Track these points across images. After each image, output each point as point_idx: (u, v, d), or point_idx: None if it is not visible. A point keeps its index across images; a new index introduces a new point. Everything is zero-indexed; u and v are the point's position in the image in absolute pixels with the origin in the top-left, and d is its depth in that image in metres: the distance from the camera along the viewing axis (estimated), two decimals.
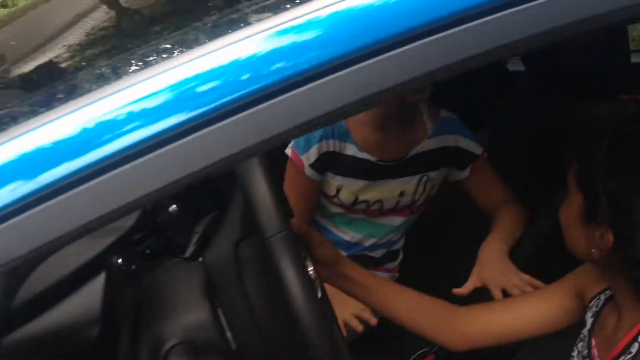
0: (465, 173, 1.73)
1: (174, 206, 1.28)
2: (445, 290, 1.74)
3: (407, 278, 1.86)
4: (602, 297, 1.07)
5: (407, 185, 1.71)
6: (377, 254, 1.85)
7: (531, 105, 1.91)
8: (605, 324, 1.04)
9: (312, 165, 1.63)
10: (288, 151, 1.65)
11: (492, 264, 1.49)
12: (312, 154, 1.62)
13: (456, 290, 1.44)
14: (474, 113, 2.01)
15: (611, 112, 1.00)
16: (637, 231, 0.87)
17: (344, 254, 1.76)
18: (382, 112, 1.61)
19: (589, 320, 1.08)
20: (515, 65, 2.28)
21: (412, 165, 1.69)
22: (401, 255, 1.94)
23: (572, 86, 1.69)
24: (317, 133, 1.60)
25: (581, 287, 1.14)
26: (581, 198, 0.94)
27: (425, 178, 1.72)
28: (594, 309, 1.08)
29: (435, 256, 2.02)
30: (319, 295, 1.10)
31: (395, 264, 1.92)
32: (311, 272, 1.10)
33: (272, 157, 0.89)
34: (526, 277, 1.43)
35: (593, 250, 0.94)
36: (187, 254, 1.26)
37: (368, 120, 1.64)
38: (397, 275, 1.94)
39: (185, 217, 1.27)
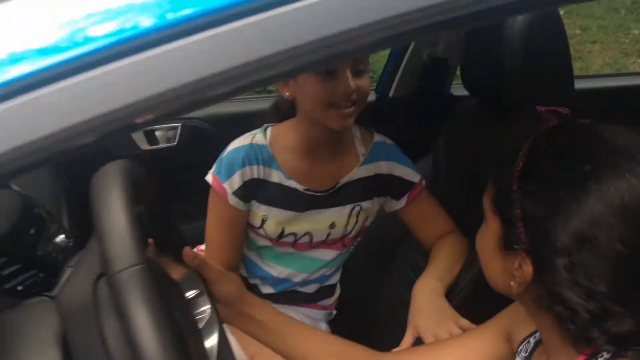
0: (402, 203, 1.59)
1: (62, 236, 1.13)
2: (388, 329, 1.63)
3: (345, 315, 1.78)
4: (532, 339, 0.99)
5: (338, 216, 1.56)
6: (310, 289, 1.68)
7: (474, 129, 1.80)
8: None
9: (235, 193, 1.48)
10: (209, 178, 1.51)
11: (427, 309, 1.37)
12: (236, 181, 1.47)
13: (395, 350, 1.30)
14: (418, 139, 1.93)
15: (529, 127, 0.88)
16: (555, 259, 0.78)
17: (272, 290, 1.63)
18: (308, 138, 1.49)
19: None
20: (460, 90, 2.18)
21: (343, 194, 1.55)
22: (338, 291, 1.78)
23: (513, 111, 1.58)
24: (240, 158, 1.48)
25: (509, 330, 1.05)
26: (498, 224, 0.86)
27: (357, 208, 1.57)
28: (523, 354, 0.99)
29: (377, 291, 1.86)
30: (212, 339, 0.95)
31: (331, 300, 1.76)
32: (206, 312, 0.96)
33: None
34: (465, 323, 1.31)
35: (512, 284, 0.85)
36: (55, 291, 1.09)
37: (294, 146, 1.51)
38: (334, 312, 1.78)
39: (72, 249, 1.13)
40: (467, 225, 1.60)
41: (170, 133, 2.02)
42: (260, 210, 1.52)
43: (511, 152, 0.86)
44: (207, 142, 2.02)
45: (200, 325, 0.96)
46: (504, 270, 0.86)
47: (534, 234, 0.80)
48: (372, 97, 2.23)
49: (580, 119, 0.88)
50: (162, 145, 2.02)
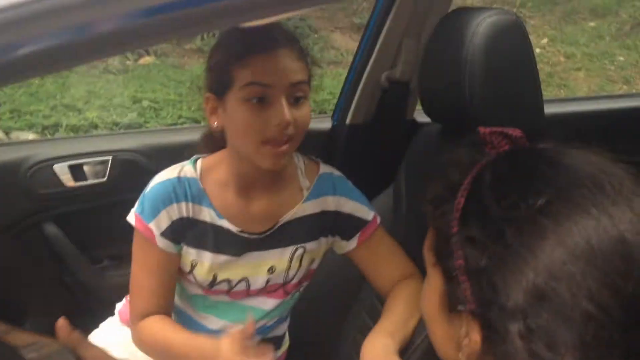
0: (352, 244, 1.40)
1: None
2: None
3: None
4: None
5: (278, 259, 1.37)
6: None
7: (437, 159, 1.60)
8: None
9: (164, 235, 1.29)
10: (131, 218, 1.32)
11: None
12: (163, 220, 1.28)
13: None
14: (378, 170, 1.78)
15: (472, 155, 0.74)
16: (507, 323, 0.62)
17: None
18: (239, 173, 1.30)
19: None
20: (424, 116, 1.99)
21: (284, 235, 1.36)
22: (287, 342, 1.60)
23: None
24: (167, 194, 1.29)
25: None
26: (439, 278, 0.72)
27: (300, 251, 1.37)
28: None
29: (332, 340, 1.66)
30: None
31: (278, 353, 1.56)
32: None
33: None
34: None
35: (460, 355, 0.70)
36: None
37: (226, 181, 1.32)
38: None
39: None
40: None
41: (99, 167, 1.80)
42: (189, 254, 1.33)
43: (451, 186, 0.71)
44: (141, 176, 1.79)
45: None
46: (450, 338, 0.72)
47: (479, 291, 0.65)
48: (327, 124, 2.04)
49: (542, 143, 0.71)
50: (90, 181, 1.80)
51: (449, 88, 1.37)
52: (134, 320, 1.34)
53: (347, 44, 5.92)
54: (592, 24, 6.73)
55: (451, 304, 0.70)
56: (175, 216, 1.29)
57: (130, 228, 1.35)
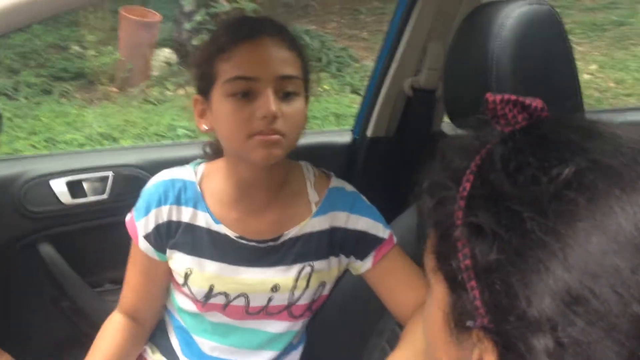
0: (367, 264, 1.26)
1: None
2: None
3: None
4: None
5: (283, 277, 1.23)
6: None
7: None
8: None
9: (147, 237, 1.24)
10: (128, 216, 1.28)
11: None
12: (149, 222, 1.23)
13: None
14: (402, 185, 1.58)
15: (480, 138, 0.59)
16: (530, 339, 0.47)
17: None
18: (238, 179, 1.21)
19: None
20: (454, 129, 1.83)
21: (290, 251, 1.23)
22: None
23: None
24: (157, 195, 1.22)
25: None
26: (443, 288, 0.57)
27: (307, 269, 1.24)
28: None
29: None
30: None
31: None
32: None
33: None
34: None
35: None
36: None
37: (225, 190, 1.22)
38: None
39: None
40: None
41: (99, 184, 1.69)
42: (183, 262, 1.23)
43: (455, 173, 0.57)
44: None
45: None
46: (456, 357, 0.58)
47: (491, 297, 0.51)
48: (347, 138, 1.88)
49: None
50: (89, 198, 1.68)
51: (473, 90, 1.22)
52: (118, 305, 1.34)
53: None
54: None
55: (458, 320, 0.55)
56: (162, 219, 1.22)
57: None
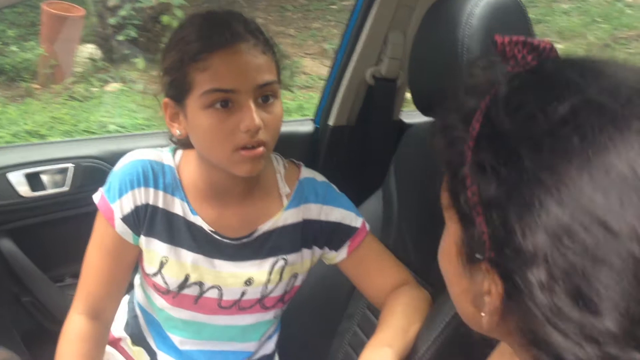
0: (342, 254, 1.26)
1: None
2: None
3: None
4: None
5: (257, 271, 1.22)
6: None
7: (430, 159, 1.48)
8: None
9: (125, 220, 1.17)
10: (97, 196, 1.20)
11: None
12: (126, 204, 1.17)
13: None
14: (366, 174, 1.69)
15: (490, 79, 0.60)
16: (526, 272, 0.50)
17: None
18: (211, 182, 1.18)
19: None
20: (411, 117, 1.88)
21: (263, 245, 1.22)
22: None
23: None
24: (135, 174, 1.17)
25: None
26: (456, 223, 0.60)
27: (281, 263, 1.23)
28: None
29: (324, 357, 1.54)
30: None
31: None
32: None
33: None
34: None
35: (483, 315, 0.59)
36: None
37: (199, 184, 1.19)
38: None
39: None
40: (427, 272, 1.33)
41: (59, 176, 1.64)
42: (160, 250, 1.20)
43: (466, 114, 0.59)
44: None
45: None
46: (468, 295, 0.61)
47: (494, 233, 0.53)
48: (309, 127, 1.89)
49: None
50: (49, 191, 1.63)
51: (444, 77, 1.25)
52: (75, 303, 1.23)
53: (319, 69, 5.84)
54: (560, 46, 6.78)
55: (469, 253, 0.58)
56: (140, 201, 1.17)
57: None
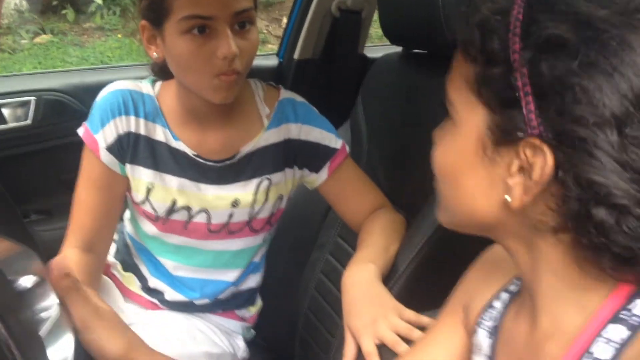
0: (322, 176, 1.27)
1: None
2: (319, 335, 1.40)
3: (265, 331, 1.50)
4: (497, 303, 0.76)
5: (243, 192, 1.23)
6: (223, 294, 1.34)
7: (397, 89, 1.51)
8: (513, 338, 0.71)
9: (110, 149, 1.17)
10: (80, 130, 1.19)
11: (360, 303, 1.08)
12: (109, 133, 1.16)
13: None
14: (332, 106, 1.63)
15: None
16: (597, 133, 0.53)
17: (180, 296, 1.30)
18: (191, 105, 1.18)
19: (485, 343, 0.75)
20: (372, 52, 1.89)
21: (247, 166, 1.23)
22: (259, 302, 1.44)
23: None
24: (115, 103, 1.15)
25: (467, 305, 0.82)
26: (482, 114, 0.61)
27: (265, 182, 1.24)
28: (488, 324, 0.76)
29: (297, 288, 1.56)
30: (60, 347, 0.66)
31: (251, 311, 1.42)
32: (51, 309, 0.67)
33: None
34: (409, 314, 1.02)
35: (508, 198, 0.60)
36: None
37: (180, 109, 1.19)
38: (252, 331, 1.45)
39: None
40: (399, 198, 1.36)
41: (21, 110, 1.58)
42: (145, 176, 1.20)
43: (496, 12, 0.60)
44: (69, 119, 1.60)
45: (42, 328, 0.65)
46: (491, 183, 0.62)
47: (558, 107, 0.55)
48: (273, 61, 1.88)
49: None
50: (10, 124, 1.57)
51: (417, 5, 1.27)
52: (68, 238, 1.21)
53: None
54: None
55: (503, 136, 0.59)
56: (123, 130, 1.17)
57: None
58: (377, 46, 2.15)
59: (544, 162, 0.56)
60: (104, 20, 5.32)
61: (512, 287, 0.76)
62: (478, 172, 0.63)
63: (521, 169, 0.58)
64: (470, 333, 0.79)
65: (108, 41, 5.07)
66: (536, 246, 0.63)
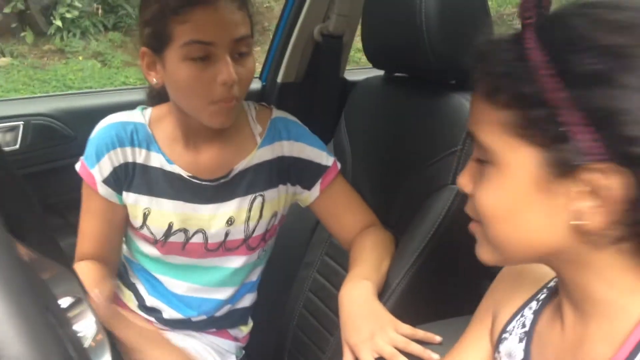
0: (315, 192, 1.31)
1: None
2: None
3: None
4: (527, 311, 0.79)
5: (237, 210, 1.27)
6: (218, 311, 1.38)
7: (380, 110, 1.56)
8: (551, 342, 0.74)
9: (106, 182, 1.23)
10: (77, 165, 1.25)
11: (357, 319, 1.12)
12: (105, 167, 1.22)
13: None
14: (315, 129, 1.67)
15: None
16: None
17: (177, 314, 1.33)
18: (187, 128, 1.22)
19: (518, 348, 0.77)
20: (353, 75, 1.94)
21: (241, 184, 1.27)
22: (251, 322, 1.48)
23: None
24: (109, 138, 1.21)
25: (495, 316, 0.85)
26: (533, 153, 0.63)
27: (259, 199, 1.28)
28: (520, 331, 0.78)
29: (287, 306, 1.60)
30: None
31: (243, 331, 1.46)
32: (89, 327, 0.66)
33: None
34: (406, 329, 1.07)
35: (577, 223, 0.62)
36: None
37: (174, 132, 1.23)
38: (243, 350, 1.48)
39: None
40: (385, 217, 1.39)
41: (9, 134, 1.58)
42: (141, 203, 1.25)
43: (513, 59, 0.63)
44: (58, 144, 1.62)
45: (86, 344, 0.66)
46: (552, 214, 0.64)
47: (607, 131, 0.59)
48: (256, 85, 1.92)
49: None
50: None
51: (401, 31, 1.32)
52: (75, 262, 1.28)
53: None
54: None
55: (559, 170, 0.62)
56: (118, 162, 1.22)
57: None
58: (355, 69, 2.21)
59: (613, 183, 0.59)
60: (64, 43, 5.31)
61: (543, 296, 0.79)
62: (536, 207, 0.65)
63: (590, 193, 0.60)
64: (495, 342, 0.82)
65: (69, 63, 5.04)
66: (591, 260, 0.65)
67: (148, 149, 1.22)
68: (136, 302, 1.34)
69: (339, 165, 1.33)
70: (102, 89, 1.76)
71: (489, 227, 0.69)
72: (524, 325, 0.78)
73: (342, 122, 1.61)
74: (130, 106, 1.27)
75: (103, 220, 1.26)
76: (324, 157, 1.31)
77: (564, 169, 0.61)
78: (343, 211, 1.34)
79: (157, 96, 1.27)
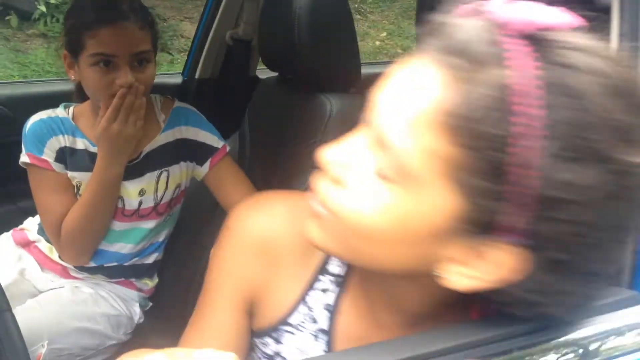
0: (205, 168, 1.62)
1: None
2: None
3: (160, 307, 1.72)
4: (316, 304, 0.77)
5: (147, 184, 1.57)
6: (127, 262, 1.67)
7: (274, 105, 1.83)
8: (353, 336, 0.75)
9: (58, 160, 1.51)
10: (24, 158, 1.51)
11: None
12: (52, 148, 1.50)
13: None
14: (225, 121, 1.92)
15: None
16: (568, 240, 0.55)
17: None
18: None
19: (313, 349, 0.77)
20: (266, 73, 2.23)
21: (149, 162, 1.57)
22: (156, 279, 1.77)
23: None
24: (45, 128, 1.51)
25: (253, 290, 0.82)
26: (455, 202, 0.56)
27: (164, 174, 1.58)
28: (313, 327, 0.77)
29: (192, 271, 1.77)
30: None
31: (149, 285, 1.74)
32: None
33: None
34: None
35: (441, 274, 0.60)
36: None
37: (92, 123, 1.51)
38: (149, 304, 1.77)
39: None
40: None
41: None
42: (73, 178, 1.53)
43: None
44: (5, 129, 1.86)
45: None
46: (425, 256, 0.60)
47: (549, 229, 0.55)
48: (178, 79, 2.24)
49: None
50: None
51: (282, 39, 1.56)
52: (58, 238, 1.53)
53: None
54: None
55: (471, 229, 0.56)
56: (57, 146, 1.50)
57: None
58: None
59: (512, 265, 0.56)
60: (47, 28, 5.47)
61: (326, 286, 0.76)
62: (416, 246, 0.59)
63: (477, 260, 0.57)
64: (263, 328, 0.80)
65: (50, 49, 5.19)
66: (414, 283, 0.66)
67: (74, 135, 1.52)
68: (57, 253, 1.62)
69: (228, 148, 1.62)
70: (46, 79, 2.00)
71: (349, 238, 0.62)
72: (314, 321, 0.75)
73: (246, 114, 1.90)
74: (61, 95, 1.56)
75: (62, 190, 1.51)
76: (215, 140, 1.61)
77: (477, 232, 0.56)
78: (230, 187, 1.61)
79: (82, 92, 1.54)
